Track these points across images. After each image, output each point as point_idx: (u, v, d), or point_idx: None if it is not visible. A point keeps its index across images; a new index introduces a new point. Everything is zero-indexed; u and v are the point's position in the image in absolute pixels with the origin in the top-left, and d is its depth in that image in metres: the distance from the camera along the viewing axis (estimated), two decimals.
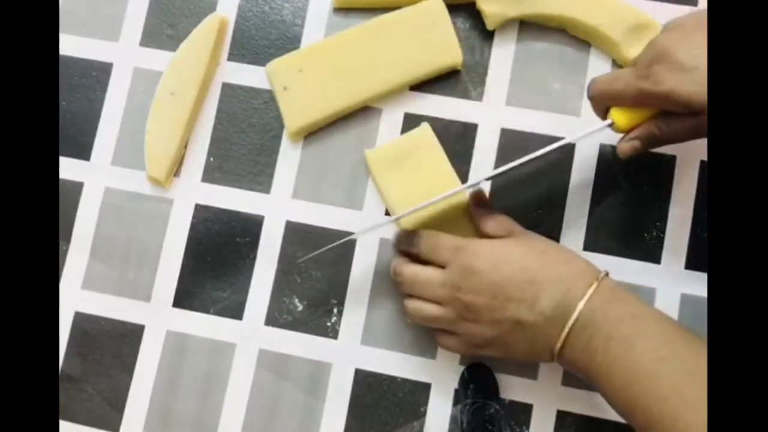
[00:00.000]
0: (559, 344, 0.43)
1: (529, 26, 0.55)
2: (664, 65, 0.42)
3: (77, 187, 0.56)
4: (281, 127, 0.56)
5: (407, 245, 0.50)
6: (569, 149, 0.54)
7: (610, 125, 0.46)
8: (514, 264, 0.45)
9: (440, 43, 0.54)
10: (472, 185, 0.50)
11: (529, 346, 0.45)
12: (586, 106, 0.54)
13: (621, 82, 0.44)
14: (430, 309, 0.47)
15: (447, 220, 0.51)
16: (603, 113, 0.47)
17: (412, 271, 0.48)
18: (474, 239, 0.48)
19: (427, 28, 0.54)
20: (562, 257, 0.46)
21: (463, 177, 0.54)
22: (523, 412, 0.51)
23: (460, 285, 0.45)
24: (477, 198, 0.51)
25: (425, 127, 0.54)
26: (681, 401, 0.37)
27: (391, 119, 0.55)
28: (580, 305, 0.43)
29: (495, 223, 0.49)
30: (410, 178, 0.53)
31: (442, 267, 0.47)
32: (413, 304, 0.48)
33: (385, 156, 0.53)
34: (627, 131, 0.45)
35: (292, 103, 0.54)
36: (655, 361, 0.40)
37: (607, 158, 0.54)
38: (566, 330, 0.43)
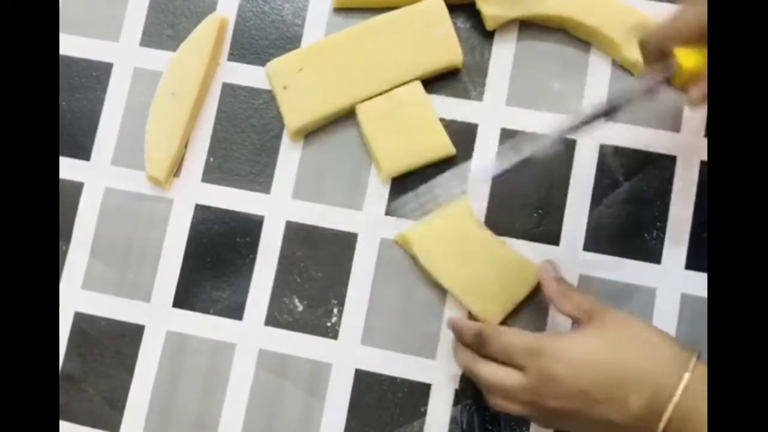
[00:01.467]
0: None
1: (529, 26, 0.55)
2: None
3: (77, 187, 0.56)
4: (281, 127, 0.56)
5: (476, 345, 0.46)
6: (570, 148, 0.54)
7: (670, 73, 0.41)
8: (597, 366, 0.41)
9: (440, 42, 0.54)
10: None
11: None
12: (586, 105, 0.54)
13: (688, 13, 0.40)
14: (515, 408, 0.44)
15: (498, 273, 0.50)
16: (657, 58, 0.42)
17: (488, 375, 0.45)
18: (547, 338, 0.44)
19: (427, 28, 0.54)
20: (647, 345, 0.42)
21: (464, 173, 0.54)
22: None
23: (542, 392, 0.42)
24: (549, 271, 0.48)
25: (416, 83, 0.54)
26: None
27: None
28: (671, 406, 0.39)
29: (572, 304, 0.46)
30: (399, 131, 0.53)
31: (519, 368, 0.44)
32: (500, 403, 0.44)
33: (375, 109, 0.53)
34: (690, 78, 0.41)
35: (292, 103, 0.54)
36: None
37: (607, 158, 0.54)
38: (660, 429, 0.40)
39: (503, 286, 0.51)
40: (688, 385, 0.40)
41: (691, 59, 0.41)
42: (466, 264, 0.51)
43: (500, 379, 0.44)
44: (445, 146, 0.53)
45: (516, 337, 0.44)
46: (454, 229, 0.52)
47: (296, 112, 0.54)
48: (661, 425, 0.40)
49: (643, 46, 0.43)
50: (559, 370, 0.41)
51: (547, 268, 0.49)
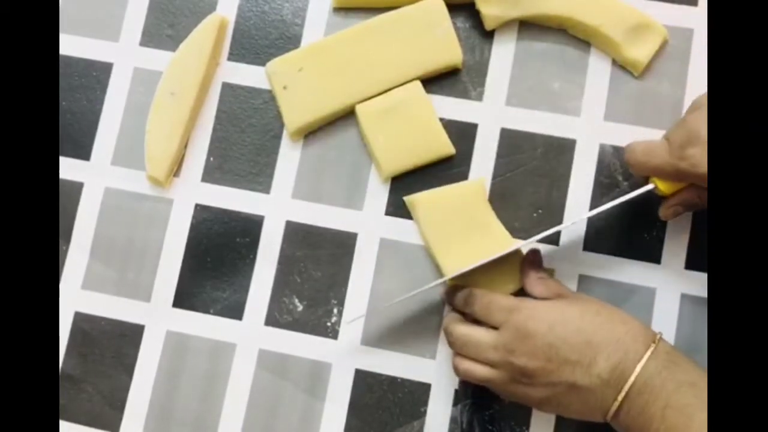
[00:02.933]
0: (614, 408, 0.42)
1: (529, 26, 0.55)
2: (699, 148, 0.42)
3: (77, 187, 0.56)
4: (281, 127, 0.56)
5: (462, 305, 0.49)
6: (570, 148, 0.54)
7: (653, 189, 0.48)
8: (570, 325, 0.44)
9: (440, 42, 0.54)
10: (529, 242, 0.50)
11: (582, 407, 0.44)
12: (586, 106, 0.54)
13: (658, 158, 0.45)
14: (482, 371, 0.46)
15: (492, 271, 0.51)
16: (644, 178, 0.49)
17: (463, 331, 0.47)
18: (528, 300, 0.47)
19: (427, 28, 0.54)
20: (617, 318, 0.45)
21: (463, 176, 0.54)
22: (523, 412, 0.51)
23: (514, 348, 0.44)
24: (532, 258, 0.50)
25: (416, 83, 0.54)
26: None
27: None
28: (638, 369, 0.42)
29: (544, 286, 0.48)
30: (399, 131, 0.53)
31: (495, 328, 0.46)
32: (464, 365, 0.47)
33: (375, 109, 0.53)
34: (668, 196, 0.48)
35: (292, 103, 0.54)
36: None
37: (607, 158, 0.54)
38: (622, 394, 0.42)
39: (492, 276, 0.51)
40: (651, 356, 0.42)
41: (665, 186, 0.47)
42: (464, 240, 0.52)
43: (475, 335, 0.46)
44: (444, 146, 0.53)
45: (499, 297, 0.48)
46: (461, 202, 0.53)
47: (296, 112, 0.54)
48: (623, 393, 0.42)
49: (629, 167, 0.48)
50: (533, 326, 0.44)
51: (533, 252, 0.51)
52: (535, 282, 0.49)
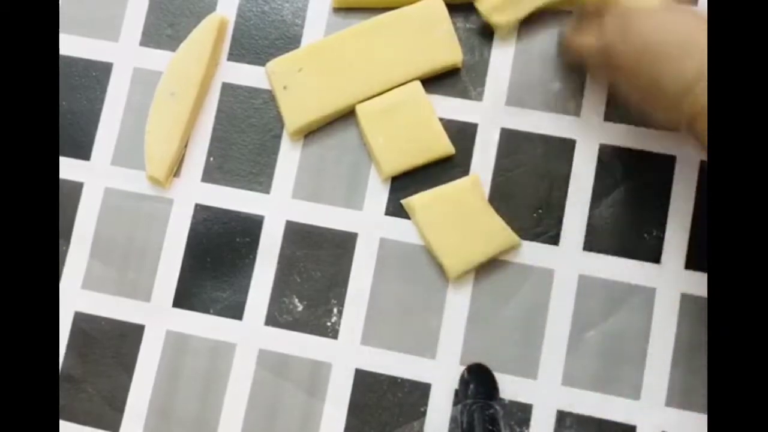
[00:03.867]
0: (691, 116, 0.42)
1: (529, 26, 0.55)
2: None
3: (77, 187, 0.56)
4: (281, 127, 0.56)
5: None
6: (570, 148, 0.54)
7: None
8: (663, 25, 0.45)
9: (440, 42, 0.54)
10: None
11: (668, 105, 0.44)
12: (587, 106, 0.54)
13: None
14: (588, 41, 0.48)
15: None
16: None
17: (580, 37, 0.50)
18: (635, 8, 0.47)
19: (427, 28, 0.54)
20: (700, 24, 0.43)
21: (463, 176, 0.54)
22: (523, 412, 0.51)
23: (614, 35, 0.46)
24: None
25: (416, 83, 0.54)
26: None
27: None
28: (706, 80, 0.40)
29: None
30: (399, 131, 0.53)
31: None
32: (575, 39, 0.50)
33: (375, 109, 0.53)
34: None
35: (292, 103, 0.54)
36: None
37: (607, 158, 0.54)
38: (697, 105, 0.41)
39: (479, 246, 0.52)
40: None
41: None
42: (464, 237, 0.52)
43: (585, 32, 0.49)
44: (444, 146, 0.53)
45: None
46: (458, 199, 0.53)
47: (296, 113, 0.54)
48: (701, 95, 0.41)
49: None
50: (634, 19, 0.45)
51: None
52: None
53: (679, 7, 0.46)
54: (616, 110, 0.54)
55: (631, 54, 0.45)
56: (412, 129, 0.53)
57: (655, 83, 0.44)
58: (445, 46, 0.54)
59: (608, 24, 0.46)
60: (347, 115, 0.55)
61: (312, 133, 0.56)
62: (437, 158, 0.54)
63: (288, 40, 0.57)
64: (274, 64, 0.55)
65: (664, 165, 0.53)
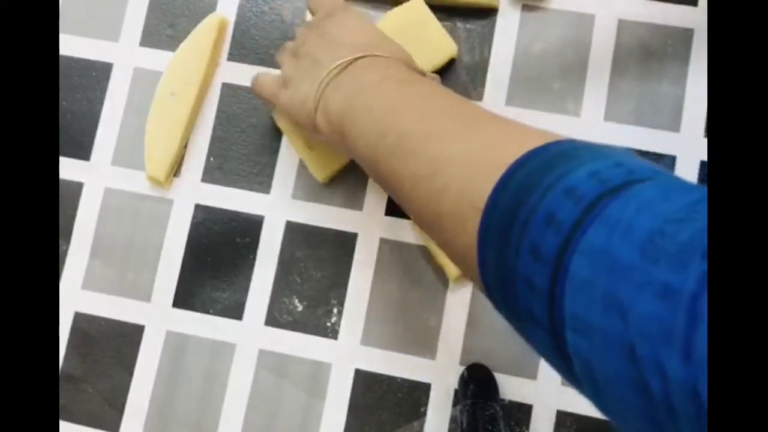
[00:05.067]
0: (317, 95, 0.43)
1: (528, 26, 0.55)
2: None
3: (77, 187, 0.56)
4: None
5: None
6: None
7: None
8: (354, 25, 0.46)
9: (431, 39, 0.54)
10: None
11: (302, 84, 0.45)
12: (587, 106, 0.54)
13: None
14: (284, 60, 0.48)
15: None
16: None
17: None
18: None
19: (415, 28, 0.54)
20: (398, 46, 0.47)
21: None
22: (523, 412, 0.51)
23: (311, 24, 0.48)
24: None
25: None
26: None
27: None
28: (333, 66, 0.43)
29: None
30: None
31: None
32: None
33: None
34: None
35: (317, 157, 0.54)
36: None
37: None
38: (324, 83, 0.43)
39: None
40: (375, 59, 0.43)
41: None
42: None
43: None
44: (448, 46, 0.54)
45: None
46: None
47: (322, 165, 0.54)
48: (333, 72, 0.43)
49: None
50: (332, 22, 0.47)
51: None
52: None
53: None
54: (616, 110, 0.54)
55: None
56: (414, 40, 0.53)
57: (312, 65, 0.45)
58: (436, 42, 0.54)
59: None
60: None
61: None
62: (445, 61, 0.54)
63: (288, 40, 0.57)
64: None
65: (664, 165, 0.53)
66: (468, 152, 0.33)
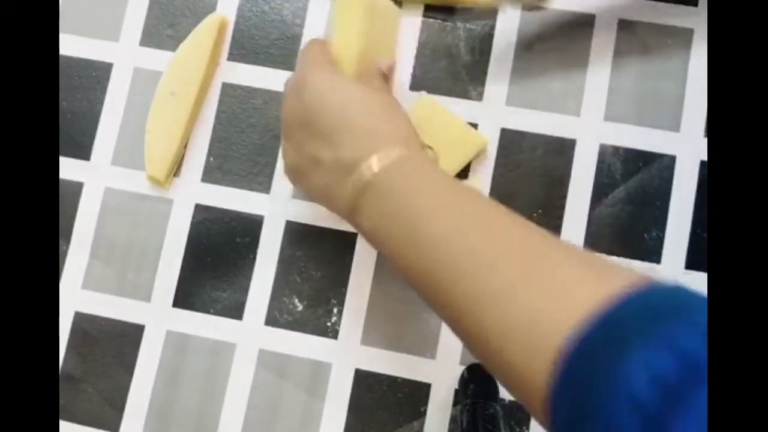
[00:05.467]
0: (351, 200, 0.39)
1: (528, 26, 0.55)
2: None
3: (77, 187, 0.56)
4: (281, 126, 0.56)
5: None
6: (570, 148, 0.54)
7: None
8: (339, 101, 0.40)
9: (457, 133, 0.54)
10: None
11: (325, 189, 0.41)
12: (586, 105, 0.54)
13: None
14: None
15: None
16: None
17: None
18: (331, 68, 0.43)
19: (436, 124, 0.54)
20: (394, 115, 0.41)
21: (463, 177, 0.54)
22: (523, 411, 0.51)
23: (288, 103, 0.43)
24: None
25: (425, 96, 0.55)
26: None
27: None
28: (374, 162, 0.38)
29: (371, 82, 0.44)
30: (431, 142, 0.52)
31: None
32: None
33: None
34: None
35: None
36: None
37: (607, 158, 0.54)
38: (357, 186, 0.38)
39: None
40: (401, 159, 0.38)
41: None
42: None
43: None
44: (479, 140, 0.53)
45: (312, 54, 0.44)
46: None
47: None
48: (361, 180, 0.38)
49: None
50: (308, 92, 0.41)
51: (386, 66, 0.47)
52: (369, 78, 0.45)
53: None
54: (616, 110, 0.54)
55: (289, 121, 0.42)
56: (441, 137, 0.53)
57: (313, 163, 0.41)
58: (464, 135, 0.54)
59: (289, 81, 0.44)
60: None
61: None
62: (476, 154, 0.53)
63: (288, 40, 0.57)
64: None
65: (664, 165, 0.53)
66: (536, 302, 0.30)
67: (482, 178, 0.54)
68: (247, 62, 0.57)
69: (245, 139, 0.56)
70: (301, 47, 0.46)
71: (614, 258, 0.52)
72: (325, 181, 0.40)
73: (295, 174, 0.43)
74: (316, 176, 0.41)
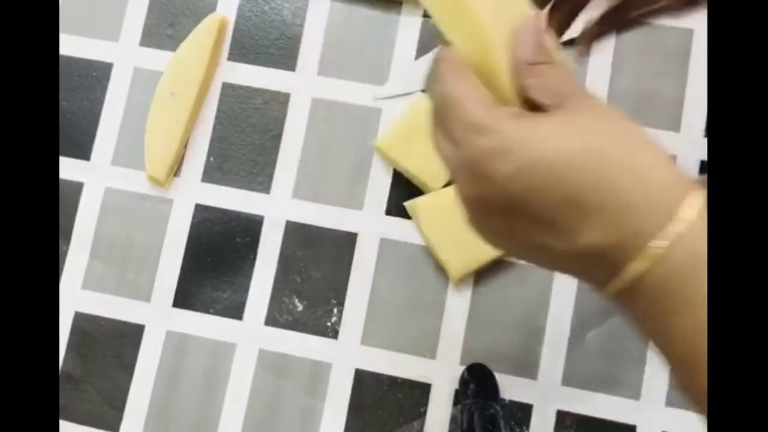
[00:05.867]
0: (607, 295, 0.28)
1: None
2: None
3: (77, 187, 0.56)
4: (281, 127, 0.56)
5: (426, 84, 0.32)
6: None
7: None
8: (550, 172, 0.27)
9: None
10: None
11: (557, 268, 0.30)
12: None
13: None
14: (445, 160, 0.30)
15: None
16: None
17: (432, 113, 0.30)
18: (504, 116, 0.28)
19: None
20: (636, 161, 0.28)
21: None
22: (523, 412, 0.51)
23: (466, 187, 0.30)
24: (534, 28, 0.31)
25: (419, 96, 0.54)
26: None
27: (390, 118, 0.55)
28: (641, 263, 0.27)
29: (539, 79, 0.30)
30: (428, 146, 0.52)
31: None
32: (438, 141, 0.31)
33: (396, 140, 0.53)
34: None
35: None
36: None
37: None
38: (622, 283, 0.27)
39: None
40: (682, 238, 0.27)
41: None
42: (467, 240, 0.51)
43: (437, 135, 0.31)
44: None
45: (465, 99, 0.29)
46: (418, 124, 0.52)
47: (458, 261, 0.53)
48: (624, 279, 0.27)
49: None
50: (494, 166, 0.27)
51: (534, 24, 0.31)
52: (527, 69, 0.30)
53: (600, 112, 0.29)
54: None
55: (492, 215, 0.29)
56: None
57: (542, 252, 0.29)
58: None
59: (458, 158, 0.29)
60: (347, 116, 0.55)
61: (312, 132, 0.56)
62: (504, 254, 0.52)
63: (288, 40, 0.57)
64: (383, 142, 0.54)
65: None
66: None
67: None
68: (247, 62, 0.57)
69: (245, 139, 0.56)
70: (430, 89, 0.31)
71: None
72: (560, 267, 0.29)
73: (506, 251, 0.32)
74: (543, 260, 0.29)
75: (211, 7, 0.58)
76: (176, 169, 0.56)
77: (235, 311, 0.54)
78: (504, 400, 0.51)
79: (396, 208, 0.54)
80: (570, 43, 0.38)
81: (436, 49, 0.33)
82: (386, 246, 0.54)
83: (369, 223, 0.54)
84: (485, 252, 0.51)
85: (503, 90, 0.30)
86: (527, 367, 0.52)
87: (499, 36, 0.30)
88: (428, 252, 0.53)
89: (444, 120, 0.30)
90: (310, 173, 0.55)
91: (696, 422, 0.49)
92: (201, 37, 0.56)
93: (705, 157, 0.53)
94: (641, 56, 0.54)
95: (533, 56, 0.31)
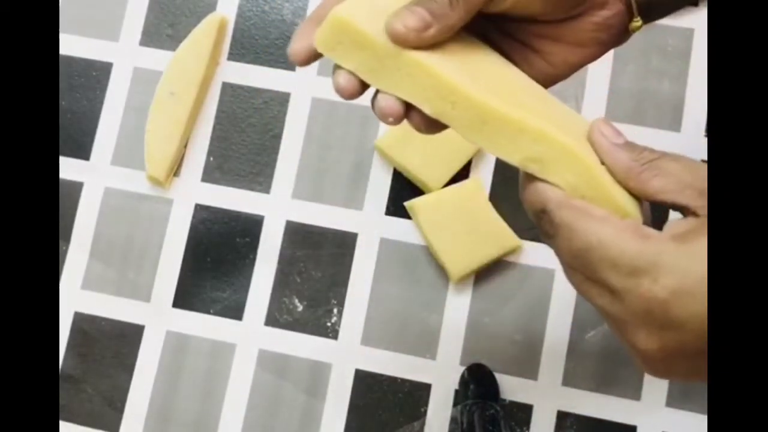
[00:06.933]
0: None
1: None
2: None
3: (77, 187, 0.56)
4: (281, 126, 0.56)
5: (537, 222, 0.28)
6: None
7: None
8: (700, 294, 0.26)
9: (492, 227, 0.53)
10: None
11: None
12: (586, 105, 0.54)
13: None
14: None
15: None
16: None
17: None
18: (661, 245, 0.26)
19: (474, 210, 0.54)
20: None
21: (463, 177, 0.54)
22: (523, 412, 0.51)
23: (651, 341, 0.26)
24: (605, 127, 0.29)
25: (475, 180, 0.54)
26: None
27: None
28: None
29: (665, 178, 0.27)
30: (460, 228, 0.52)
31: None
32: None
33: (396, 139, 0.53)
34: None
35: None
36: None
37: None
38: None
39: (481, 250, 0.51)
40: None
41: None
42: (467, 240, 0.52)
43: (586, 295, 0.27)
44: (511, 240, 0.52)
45: (611, 244, 0.26)
46: (461, 202, 0.52)
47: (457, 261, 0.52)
48: None
49: None
50: (679, 313, 0.25)
51: (605, 124, 0.29)
52: (643, 170, 0.28)
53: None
54: (616, 110, 0.54)
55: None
56: (472, 226, 0.52)
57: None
58: (500, 230, 0.53)
59: (621, 308, 0.26)
60: (347, 116, 0.55)
61: (312, 132, 0.56)
62: (504, 254, 0.52)
63: (288, 40, 0.57)
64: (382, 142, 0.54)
65: None
66: None
67: (482, 178, 0.54)
68: (247, 62, 0.57)
69: (245, 138, 0.56)
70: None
71: None
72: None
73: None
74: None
75: (211, 7, 0.58)
76: (176, 169, 0.56)
77: (235, 311, 0.54)
78: (504, 400, 0.51)
79: (396, 208, 0.54)
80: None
81: (526, 194, 0.28)
82: (386, 246, 0.54)
83: (369, 223, 0.54)
84: (485, 252, 0.51)
85: (616, 204, 0.27)
86: (527, 368, 0.52)
87: (588, 152, 0.27)
88: (428, 252, 0.53)
89: (588, 270, 0.26)
90: (310, 173, 0.55)
91: (696, 422, 0.49)
92: (201, 36, 0.56)
93: (705, 157, 0.53)
94: (641, 56, 0.54)
95: (638, 156, 0.28)
